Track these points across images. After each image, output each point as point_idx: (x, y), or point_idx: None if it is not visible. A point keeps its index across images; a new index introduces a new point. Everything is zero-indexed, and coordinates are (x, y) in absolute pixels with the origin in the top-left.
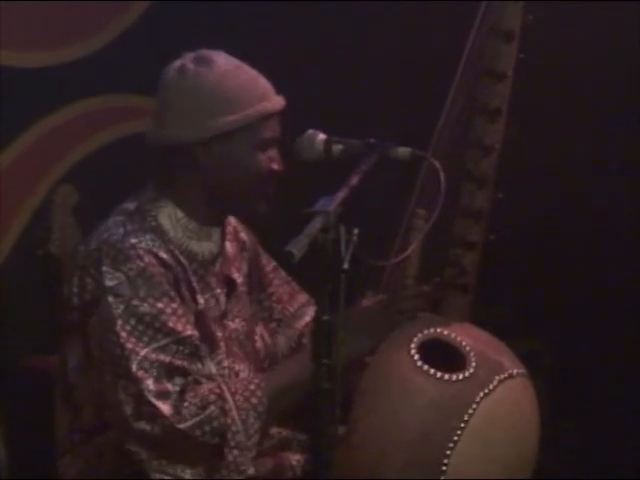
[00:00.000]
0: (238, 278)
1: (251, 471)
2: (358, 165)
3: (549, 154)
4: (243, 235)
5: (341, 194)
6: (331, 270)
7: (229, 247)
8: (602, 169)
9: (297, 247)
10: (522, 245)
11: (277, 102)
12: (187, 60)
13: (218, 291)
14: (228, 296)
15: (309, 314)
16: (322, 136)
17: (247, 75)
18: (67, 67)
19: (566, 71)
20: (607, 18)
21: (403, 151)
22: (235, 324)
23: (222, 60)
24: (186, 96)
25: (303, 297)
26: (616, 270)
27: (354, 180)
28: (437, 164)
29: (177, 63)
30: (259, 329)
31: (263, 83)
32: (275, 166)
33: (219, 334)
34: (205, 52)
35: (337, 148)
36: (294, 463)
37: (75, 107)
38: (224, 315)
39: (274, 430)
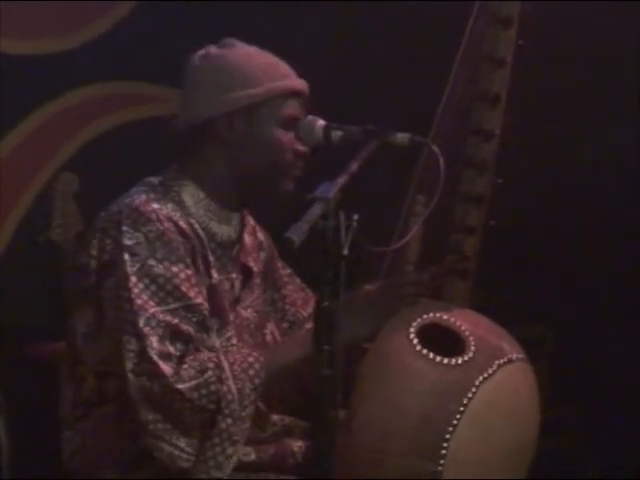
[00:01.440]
0: (254, 268)
1: (245, 449)
2: (358, 151)
3: (548, 140)
4: (260, 235)
5: (341, 180)
6: (331, 256)
7: (247, 239)
8: (602, 153)
9: (297, 233)
10: (522, 230)
11: (299, 83)
12: (211, 47)
13: (234, 276)
14: (243, 284)
15: None
16: (321, 122)
17: (269, 57)
18: (67, 54)
19: (565, 57)
20: (606, 6)
21: (402, 137)
22: (247, 313)
23: (245, 45)
24: (210, 75)
25: None
26: (619, 254)
27: (354, 166)
28: (436, 149)
29: (201, 51)
30: (270, 325)
31: (285, 66)
32: (300, 147)
33: (231, 316)
34: (229, 39)
35: (336, 134)
36: (296, 449)
37: (76, 94)
38: (237, 301)
39: (276, 417)
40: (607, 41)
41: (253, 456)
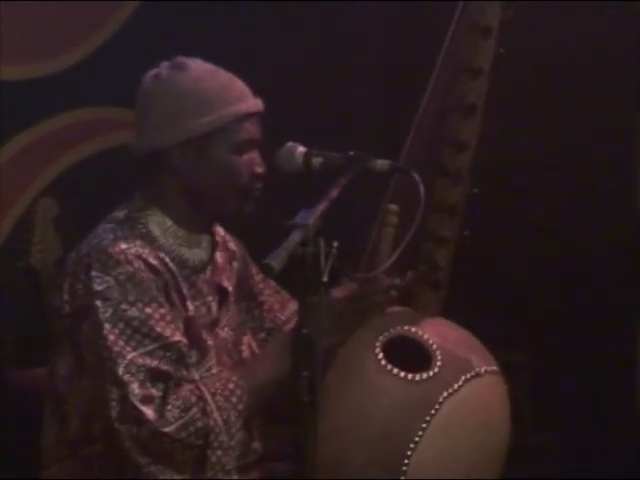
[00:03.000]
0: (229, 287)
1: (235, 468)
2: (338, 178)
3: (525, 150)
4: (232, 245)
5: (321, 207)
6: (310, 283)
7: (219, 257)
8: (580, 165)
9: (276, 260)
10: (496, 242)
11: (253, 104)
12: (162, 67)
13: (210, 299)
14: (220, 304)
15: None
16: (302, 149)
17: (222, 78)
18: (48, 80)
19: (543, 67)
20: (586, 14)
21: (382, 163)
22: (224, 333)
23: (197, 65)
24: (160, 101)
25: (294, 305)
26: (599, 270)
27: (334, 193)
28: (417, 177)
29: (153, 71)
30: (247, 339)
31: (239, 86)
32: (257, 169)
33: (210, 342)
34: (181, 59)
35: (317, 161)
36: (279, 474)
37: (57, 119)
38: (215, 323)
39: (257, 445)
40: (587, 50)
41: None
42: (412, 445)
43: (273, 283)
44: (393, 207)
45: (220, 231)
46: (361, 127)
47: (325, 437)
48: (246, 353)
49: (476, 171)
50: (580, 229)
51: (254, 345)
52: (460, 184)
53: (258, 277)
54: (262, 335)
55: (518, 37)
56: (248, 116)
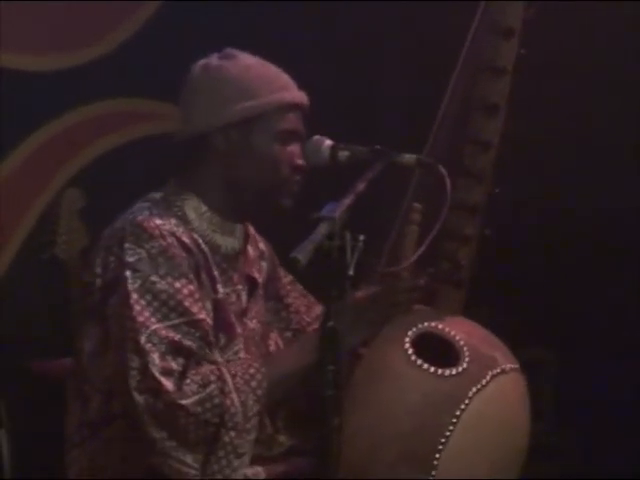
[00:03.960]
0: (259, 279)
1: (249, 454)
2: (364, 171)
3: (547, 150)
4: (262, 245)
5: (347, 200)
6: (336, 276)
7: (250, 250)
8: (601, 165)
9: (303, 253)
10: (522, 248)
11: (297, 95)
12: (211, 58)
13: (240, 287)
14: (249, 295)
15: None
16: (328, 142)
17: (270, 69)
18: (73, 71)
19: (565, 67)
20: (607, 15)
21: (409, 158)
22: (253, 324)
23: (245, 56)
24: (207, 87)
25: (319, 309)
26: (618, 268)
27: (360, 186)
28: (443, 171)
29: (202, 61)
30: (274, 335)
31: (285, 77)
32: (298, 161)
33: (239, 329)
34: (230, 50)
35: (343, 154)
36: (303, 468)
37: (83, 111)
38: (244, 312)
39: (283, 438)
40: (610, 51)
41: (263, 476)
42: (443, 440)
43: (300, 286)
44: (417, 205)
45: (251, 230)
46: (382, 126)
47: (354, 435)
48: (273, 348)
49: (498, 170)
50: (604, 227)
51: (280, 343)
52: (482, 183)
53: (286, 279)
54: (288, 334)
55: (542, 36)
56: (292, 107)
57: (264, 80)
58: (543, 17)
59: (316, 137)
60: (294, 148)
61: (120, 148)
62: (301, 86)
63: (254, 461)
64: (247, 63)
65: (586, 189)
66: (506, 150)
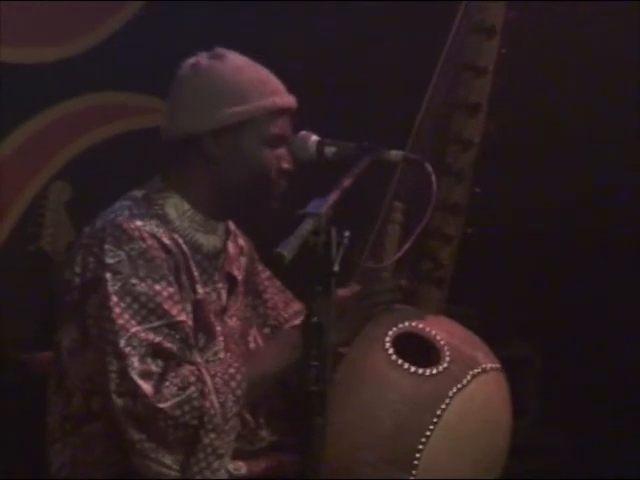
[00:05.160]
0: (239, 276)
1: (228, 455)
2: (350, 167)
3: (528, 150)
4: (241, 240)
5: (333, 196)
6: (321, 272)
7: (231, 247)
8: (583, 164)
9: (287, 248)
10: (505, 245)
11: (287, 100)
12: (201, 57)
13: (220, 285)
14: (229, 293)
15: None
16: (315, 138)
17: (260, 72)
18: (62, 63)
19: (546, 67)
20: (589, 15)
21: (396, 154)
22: (232, 322)
23: (236, 56)
24: (198, 88)
25: (297, 305)
26: (602, 266)
27: (346, 182)
28: (430, 167)
29: (191, 60)
30: (253, 331)
31: (275, 81)
32: (285, 165)
33: (218, 328)
34: (220, 50)
35: (330, 150)
36: (286, 464)
37: (70, 104)
38: (224, 311)
39: (264, 433)
40: (590, 50)
41: (244, 470)
42: (423, 440)
43: (278, 282)
44: (398, 204)
45: (231, 225)
46: (363, 126)
47: (335, 434)
48: (253, 345)
49: (479, 169)
50: (586, 225)
51: (259, 340)
52: (464, 182)
53: (264, 275)
54: (266, 330)
55: (523, 36)
56: (282, 111)
57: (255, 83)
58: (524, 16)
59: (303, 132)
60: (282, 152)
61: (107, 141)
62: (287, 85)
63: (236, 456)
64: (237, 64)
65: (567, 185)
66: (487, 149)
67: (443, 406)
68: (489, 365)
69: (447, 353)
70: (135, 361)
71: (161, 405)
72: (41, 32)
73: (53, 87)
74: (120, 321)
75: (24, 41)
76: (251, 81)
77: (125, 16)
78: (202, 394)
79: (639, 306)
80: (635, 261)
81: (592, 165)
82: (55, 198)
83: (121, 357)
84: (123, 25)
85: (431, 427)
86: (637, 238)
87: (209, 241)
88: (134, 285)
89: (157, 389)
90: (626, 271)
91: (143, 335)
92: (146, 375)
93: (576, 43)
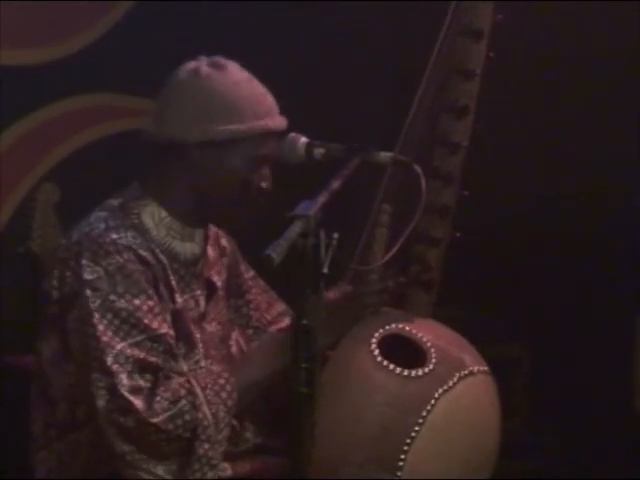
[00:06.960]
0: (218, 282)
1: (222, 465)
2: (339, 169)
3: (516, 152)
4: (224, 241)
5: (322, 198)
6: (310, 274)
7: (210, 251)
8: (570, 167)
9: (276, 251)
10: (494, 247)
11: (280, 122)
12: (202, 63)
13: (198, 292)
14: (208, 299)
15: (286, 322)
16: (304, 139)
17: (257, 89)
18: (51, 65)
19: (535, 70)
20: (577, 17)
21: (385, 156)
22: (212, 327)
23: (236, 69)
24: (194, 97)
25: (281, 306)
26: (590, 268)
27: (335, 184)
28: (419, 170)
29: (191, 64)
30: (235, 334)
31: (270, 100)
32: (264, 184)
33: (197, 335)
34: (220, 59)
35: (319, 152)
36: (271, 466)
37: (59, 105)
38: (203, 317)
39: (249, 435)
40: (579, 53)
41: (230, 472)
42: (408, 441)
43: (262, 282)
44: (386, 207)
45: (212, 228)
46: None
47: (321, 435)
48: (234, 349)
49: (468, 172)
50: (575, 226)
51: (242, 342)
52: (451, 185)
53: (247, 275)
54: (249, 331)
55: (511, 39)
56: (273, 134)
57: (251, 103)
58: (512, 21)
59: (292, 134)
60: (265, 172)
61: (97, 143)
62: (273, 87)
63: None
64: (236, 79)
65: (554, 187)
66: (475, 152)
67: (428, 407)
68: (476, 368)
69: (433, 355)
70: (124, 378)
71: (154, 420)
72: (31, 33)
73: (43, 88)
74: (104, 338)
75: (13, 43)
76: (248, 99)
77: (115, 17)
78: (194, 406)
79: (628, 307)
80: (623, 263)
81: (582, 168)
82: (44, 199)
83: (109, 374)
84: (113, 26)
85: (416, 428)
86: (625, 240)
87: (186, 249)
88: (113, 302)
89: (148, 404)
90: (614, 272)
91: (129, 351)
92: (136, 391)
93: (564, 44)
